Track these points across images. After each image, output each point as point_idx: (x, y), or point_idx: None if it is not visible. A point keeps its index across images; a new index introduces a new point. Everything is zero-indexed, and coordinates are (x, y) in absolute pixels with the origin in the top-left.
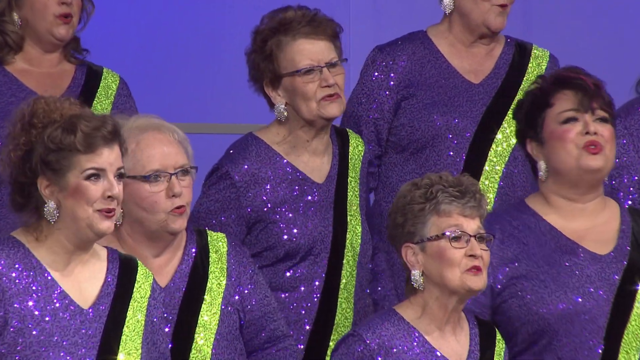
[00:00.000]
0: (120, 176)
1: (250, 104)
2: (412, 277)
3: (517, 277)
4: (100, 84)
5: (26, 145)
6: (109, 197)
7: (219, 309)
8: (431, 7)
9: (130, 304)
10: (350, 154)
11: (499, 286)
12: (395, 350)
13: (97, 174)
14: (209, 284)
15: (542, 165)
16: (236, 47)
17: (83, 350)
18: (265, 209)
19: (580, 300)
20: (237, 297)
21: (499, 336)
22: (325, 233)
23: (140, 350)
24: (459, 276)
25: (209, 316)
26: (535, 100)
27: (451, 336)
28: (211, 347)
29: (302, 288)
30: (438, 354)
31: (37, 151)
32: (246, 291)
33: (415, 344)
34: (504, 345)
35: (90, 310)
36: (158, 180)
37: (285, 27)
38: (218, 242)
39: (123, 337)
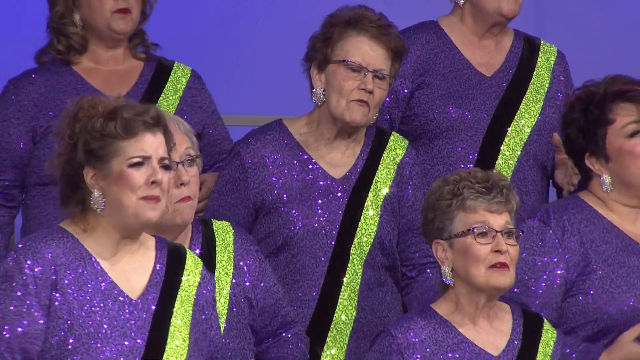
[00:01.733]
0: (165, 167)
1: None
2: (442, 273)
3: (587, 273)
4: (169, 79)
5: (71, 138)
6: (152, 182)
7: (228, 297)
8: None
9: (179, 293)
10: (384, 155)
11: (570, 281)
12: (424, 343)
13: (140, 162)
14: (216, 273)
15: (606, 179)
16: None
17: (132, 341)
18: (270, 195)
19: None
20: (246, 285)
21: (547, 326)
22: (330, 228)
23: (188, 341)
24: (483, 273)
25: (218, 305)
26: (590, 118)
27: (488, 328)
28: (221, 336)
29: (302, 281)
30: (471, 343)
31: (81, 142)
32: (255, 279)
33: (446, 336)
34: (554, 334)
35: (139, 300)
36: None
37: (356, 21)
38: (224, 231)
39: (171, 328)
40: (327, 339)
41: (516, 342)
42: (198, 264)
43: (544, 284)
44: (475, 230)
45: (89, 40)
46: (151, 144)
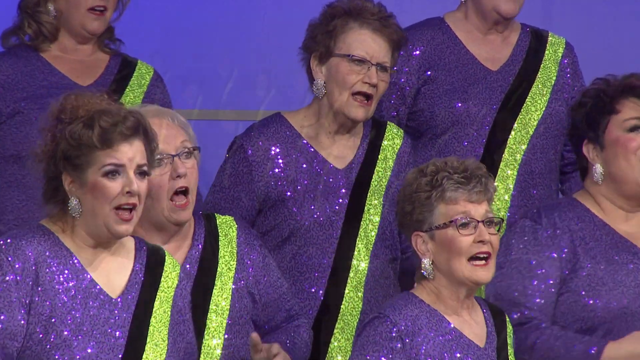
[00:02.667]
0: (142, 174)
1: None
2: (423, 266)
3: (576, 270)
4: (134, 74)
5: (53, 140)
6: (127, 192)
7: (230, 293)
8: None
9: (158, 294)
10: (383, 145)
11: (562, 278)
12: (422, 331)
13: (115, 171)
14: (219, 268)
15: (598, 168)
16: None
17: (112, 339)
18: (275, 187)
19: (637, 300)
20: (249, 280)
21: (507, 318)
22: (335, 219)
23: (167, 341)
24: (465, 267)
25: (221, 300)
26: (599, 104)
27: (470, 319)
28: (224, 331)
29: (309, 273)
30: (463, 335)
31: (60, 147)
32: (258, 273)
33: (440, 325)
34: (512, 328)
35: (119, 299)
36: (161, 164)
37: (357, 13)
38: (227, 226)
39: (150, 328)
40: (334, 331)
41: (493, 334)
42: (176, 267)
43: (542, 283)
44: (457, 221)
45: (60, 31)
46: (126, 153)
